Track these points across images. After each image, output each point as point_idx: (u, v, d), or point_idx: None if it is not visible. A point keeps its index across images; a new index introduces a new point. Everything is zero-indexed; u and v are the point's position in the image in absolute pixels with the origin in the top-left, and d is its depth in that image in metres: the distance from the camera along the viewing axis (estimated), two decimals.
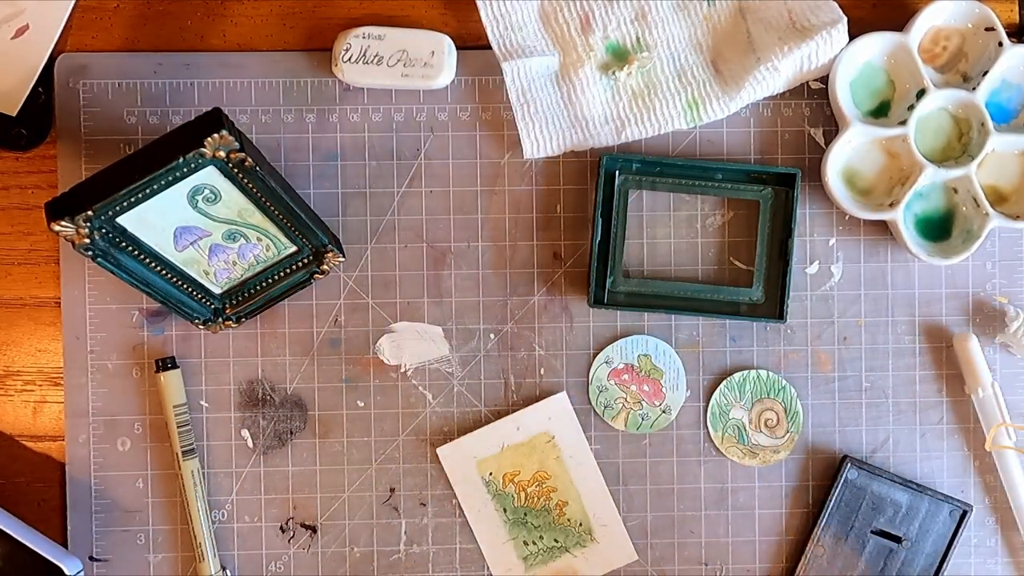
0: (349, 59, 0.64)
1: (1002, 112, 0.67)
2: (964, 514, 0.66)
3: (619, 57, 0.66)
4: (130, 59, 0.66)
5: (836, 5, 0.65)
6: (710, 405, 0.67)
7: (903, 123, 0.65)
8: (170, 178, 0.56)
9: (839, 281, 0.68)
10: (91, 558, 0.66)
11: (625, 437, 0.67)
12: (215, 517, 0.66)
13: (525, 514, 0.66)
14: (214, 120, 0.54)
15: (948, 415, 0.68)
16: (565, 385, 0.67)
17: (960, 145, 0.66)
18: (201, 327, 0.65)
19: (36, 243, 0.66)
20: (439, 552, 0.67)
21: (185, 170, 0.55)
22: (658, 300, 0.67)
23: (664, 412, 0.67)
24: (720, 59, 0.66)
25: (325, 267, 0.64)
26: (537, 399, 0.67)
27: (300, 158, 0.66)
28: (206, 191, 0.58)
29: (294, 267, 0.64)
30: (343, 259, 0.65)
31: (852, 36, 0.65)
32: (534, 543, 0.66)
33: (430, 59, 0.64)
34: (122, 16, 0.66)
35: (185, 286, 0.62)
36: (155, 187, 0.56)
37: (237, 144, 0.55)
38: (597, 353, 0.67)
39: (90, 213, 0.55)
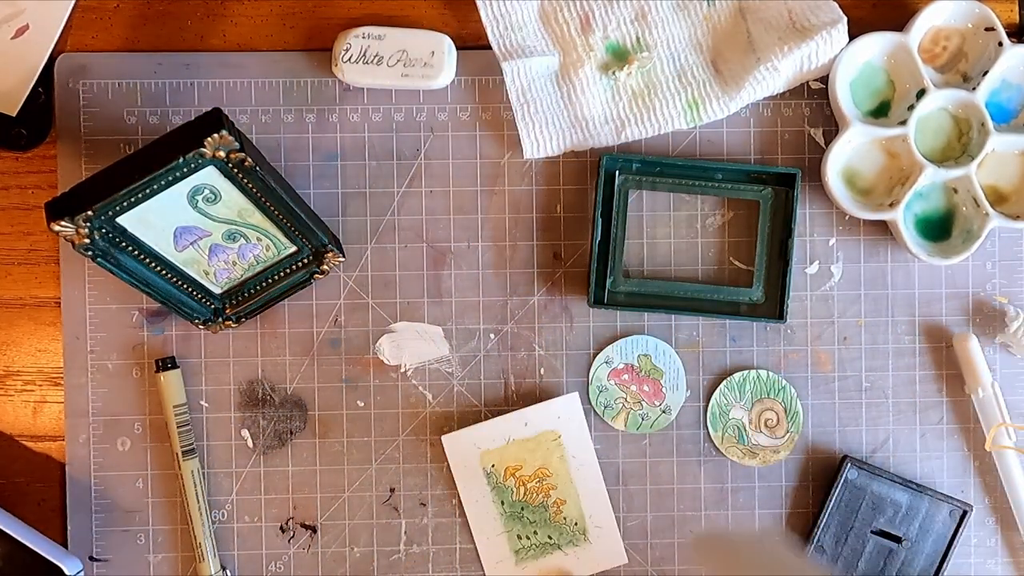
0: (349, 59, 0.64)
1: (1002, 112, 0.67)
2: (964, 514, 0.66)
3: (619, 57, 0.66)
4: (130, 59, 0.66)
5: (836, 5, 0.65)
6: (710, 405, 0.67)
7: (903, 123, 0.65)
8: (170, 178, 0.56)
9: (839, 281, 0.68)
10: (91, 558, 0.66)
11: (625, 437, 0.67)
12: (215, 517, 0.66)
13: (522, 508, 0.67)
14: (214, 120, 0.54)
15: (948, 415, 0.68)
16: (565, 385, 0.67)
17: (960, 145, 0.66)
18: (201, 327, 0.65)
19: (36, 243, 0.66)
20: (439, 552, 0.67)
21: (185, 170, 0.55)
22: (658, 300, 0.67)
23: (664, 412, 0.67)
24: (720, 59, 0.66)
25: (325, 267, 0.64)
26: (537, 399, 0.67)
27: (300, 158, 0.66)
28: (206, 191, 0.58)
29: (294, 267, 0.64)
30: (343, 259, 0.65)
31: (852, 36, 0.65)
32: (527, 538, 0.67)
33: (430, 59, 0.64)
34: (122, 16, 0.66)
35: (185, 286, 0.62)
36: (155, 187, 0.56)
37: (237, 144, 0.55)
38: (597, 353, 0.67)
39: (90, 213, 0.55)
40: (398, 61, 0.64)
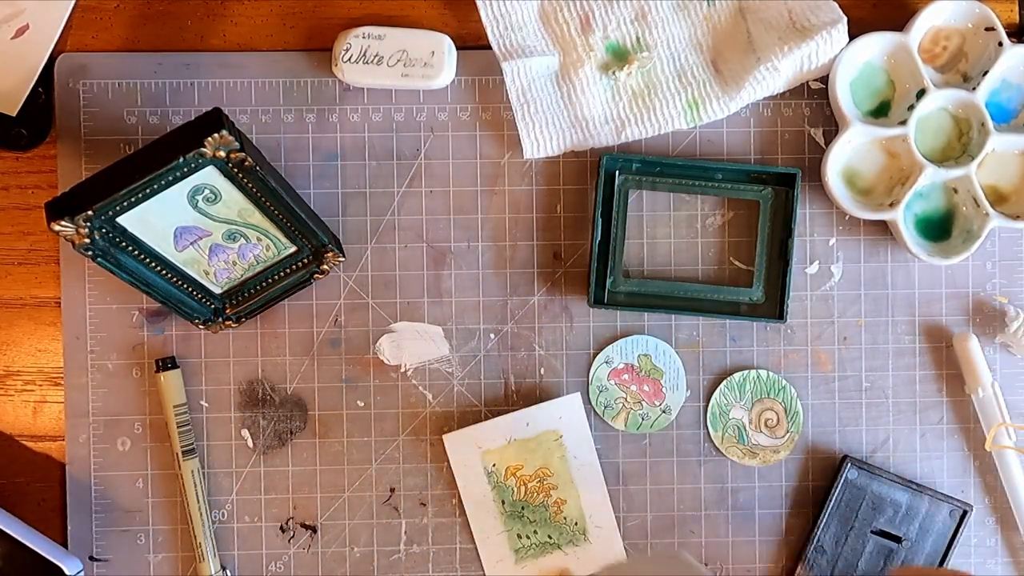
0: (349, 59, 0.64)
1: (1002, 112, 0.67)
2: (964, 514, 0.66)
3: (619, 57, 0.66)
4: (130, 59, 0.66)
5: (836, 5, 0.65)
6: (710, 405, 0.67)
7: (903, 123, 0.65)
8: (170, 178, 0.56)
9: (839, 281, 0.68)
10: (91, 558, 0.66)
11: (625, 437, 0.67)
12: (215, 517, 0.66)
13: (522, 508, 0.67)
14: (214, 120, 0.54)
15: (948, 415, 0.68)
16: (565, 385, 0.67)
17: (960, 145, 0.66)
18: (201, 327, 0.65)
19: (36, 243, 0.66)
20: (439, 552, 0.67)
21: (185, 170, 0.55)
22: (658, 300, 0.67)
23: (664, 412, 0.67)
24: (720, 59, 0.66)
25: (325, 267, 0.64)
26: (537, 399, 0.67)
27: (300, 158, 0.66)
28: (206, 191, 0.58)
29: (294, 267, 0.64)
30: (343, 259, 0.65)
31: (852, 36, 0.65)
32: (527, 537, 0.67)
33: (430, 59, 0.64)
34: (122, 16, 0.66)
35: (185, 286, 0.62)
36: (155, 187, 0.56)
37: (237, 144, 0.55)
38: (597, 353, 0.67)
39: (90, 213, 0.55)
40: (398, 61, 0.64)
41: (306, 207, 0.63)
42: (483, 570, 0.67)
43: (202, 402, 0.66)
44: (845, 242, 0.68)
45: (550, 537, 0.67)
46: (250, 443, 0.66)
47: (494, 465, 0.66)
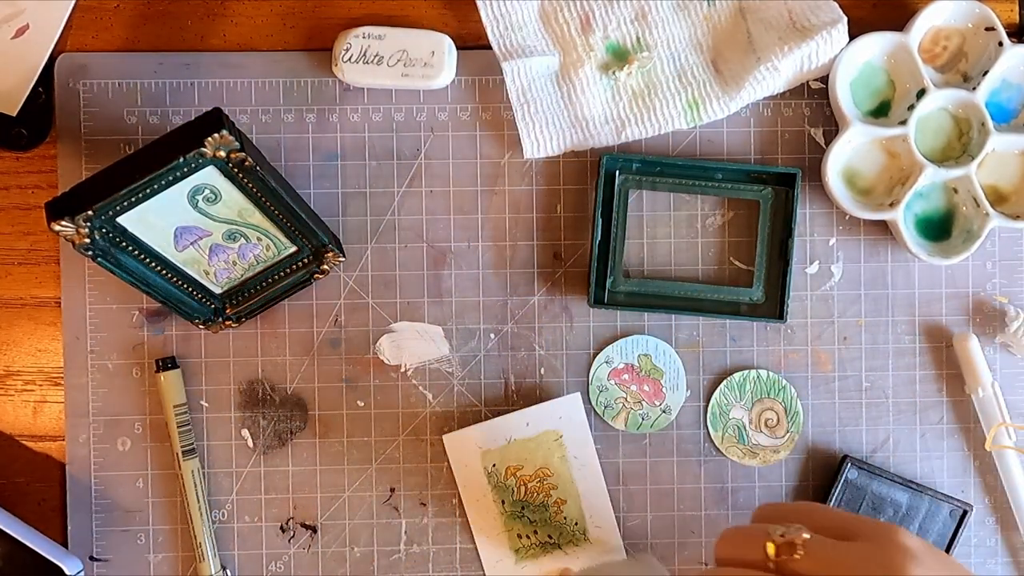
0: (349, 59, 0.64)
1: (1002, 112, 0.67)
2: (964, 514, 0.66)
3: (619, 57, 0.66)
4: (130, 59, 0.66)
5: (836, 5, 0.65)
6: (710, 405, 0.67)
7: (903, 123, 0.65)
8: (170, 178, 0.56)
9: (839, 281, 0.68)
10: (91, 558, 0.66)
11: (625, 437, 0.67)
12: (215, 517, 0.66)
13: (523, 508, 0.67)
14: (214, 120, 0.54)
15: (948, 415, 0.68)
16: (565, 385, 0.67)
17: (960, 145, 0.66)
18: (201, 327, 0.65)
19: (36, 243, 0.66)
20: (439, 552, 0.67)
21: (185, 170, 0.55)
22: (658, 300, 0.67)
23: (664, 412, 0.67)
24: (720, 59, 0.66)
25: (325, 267, 0.64)
26: (537, 399, 0.67)
27: (300, 158, 0.66)
28: (206, 191, 0.58)
29: (294, 267, 0.64)
30: (343, 259, 0.65)
31: (852, 36, 0.65)
32: (528, 537, 0.67)
33: (430, 59, 0.64)
34: (122, 16, 0.66)
35: (185, 286, 0.62)
36: (155, 187, 0.56)
37: (237, 144, 0.55)
38: (597, 353, 0.67)
39: (90, 213, 0.55)
40: (398, 61, 0.64)
41: (306, 207, 0.63)
42: (483, 570, 0.67)
43: (202, 402, 0.66)
44: (845, 242, 0.68)
45: (550, 537, 0.67)
46: (250, 443, 0.66)
47: (494, 465, 0.66)
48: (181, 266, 0.62)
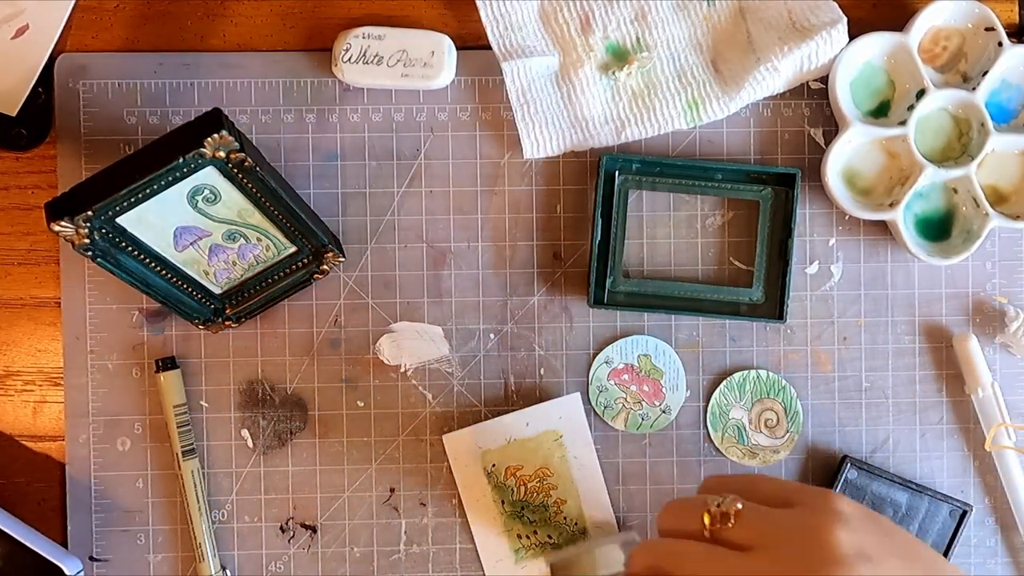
0: (349, 59, 0.64)
1: (1002, 112, 0.67)
2: (964, 514, 0.66)
3: (619, 57, 0.66)
4: (130, 59, 0.66)
5: (836, 5, 0.65)
6: (710, 405, 0.67)
7: (903, 123, 0.65)
8: (170, 178, 0.56)
9: (839, 281, 0.68)
10: (91, 558, 0.66)
11: (625, 437, 0.67)
12: (215, 517, 0.66)
13: (523, 508, 0.67)
14: (214, 120, 0.54)
15: (948, 415, 0.68)
16: (565, 385, 0.67)
17: (960, 145, 0.66)
18: (201, 327, 0.65)
19: (36, 243, 0.66)
20: (439, 552, 0.67)
21: (185, 170, 0.55)
22: (658, 300, 0.67)
23: (664, 412, 0.67)
24: (720, 59, 0.66)
25: (325, 267, 0.64)
26: (537, 399, 0.67)
27: (300, 158, 0.66)
28: (206, 191, 0.58)
29: (294, 267, 0.64)
30: (343, 259, 0.65)
31: (852, 36, 0.65)
32: (528, 537, 0.67)
33: (430, 59, 0.64)
34: (122, 16, 0.66)
35: (185, 286, 0.63)
36: (155, 187, 0.56)
37: (237, 144, 0.55)
38: (597, 353, 0.67)
39: (90, 213, 0.55)
40: (398, 61, 0.64)
41: (306, 207, 0.63)
42: (483, 570, 0.67)
43: (202, 402, 0.66)
44: (845, 242, 0.68)
45: (550, 537, 0.67)
46: (250, 443, 0.66)
47: (494, 465, 0.66)
48: (181, 266, 0.62)
